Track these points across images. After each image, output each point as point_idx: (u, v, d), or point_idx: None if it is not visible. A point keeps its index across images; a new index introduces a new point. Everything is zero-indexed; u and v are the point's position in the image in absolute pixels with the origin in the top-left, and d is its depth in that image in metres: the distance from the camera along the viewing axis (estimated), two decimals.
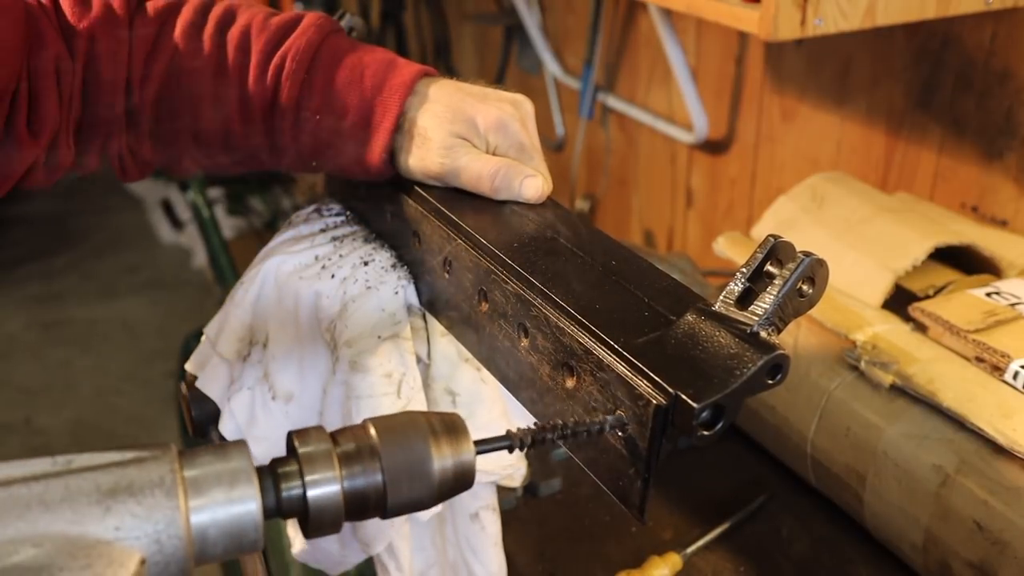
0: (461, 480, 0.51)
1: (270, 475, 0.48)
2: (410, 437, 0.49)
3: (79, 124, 0.74)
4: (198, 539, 0.44)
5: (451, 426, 0.51)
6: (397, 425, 0.50)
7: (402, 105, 0.73)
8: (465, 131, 0.73)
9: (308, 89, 0.73)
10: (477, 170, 0.72)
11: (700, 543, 0.97)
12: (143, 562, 0.42)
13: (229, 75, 0.74)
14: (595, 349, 0.55)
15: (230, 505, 0.45)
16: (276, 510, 0.47)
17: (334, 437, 0.49)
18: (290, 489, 0.48)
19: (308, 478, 0.47)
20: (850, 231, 1.08)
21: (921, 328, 0.97)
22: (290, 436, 0.50)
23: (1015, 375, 0.86)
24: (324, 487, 0.48)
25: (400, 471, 0.49)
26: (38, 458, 0.44)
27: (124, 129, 0.76)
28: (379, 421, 0.50)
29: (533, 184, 0.72)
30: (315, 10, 0.79)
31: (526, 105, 0.76)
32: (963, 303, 0.95)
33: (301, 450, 0.48)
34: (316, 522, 0.48)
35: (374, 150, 0.74)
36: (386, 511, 0.50)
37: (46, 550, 0.41)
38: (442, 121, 0.72)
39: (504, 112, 0.73)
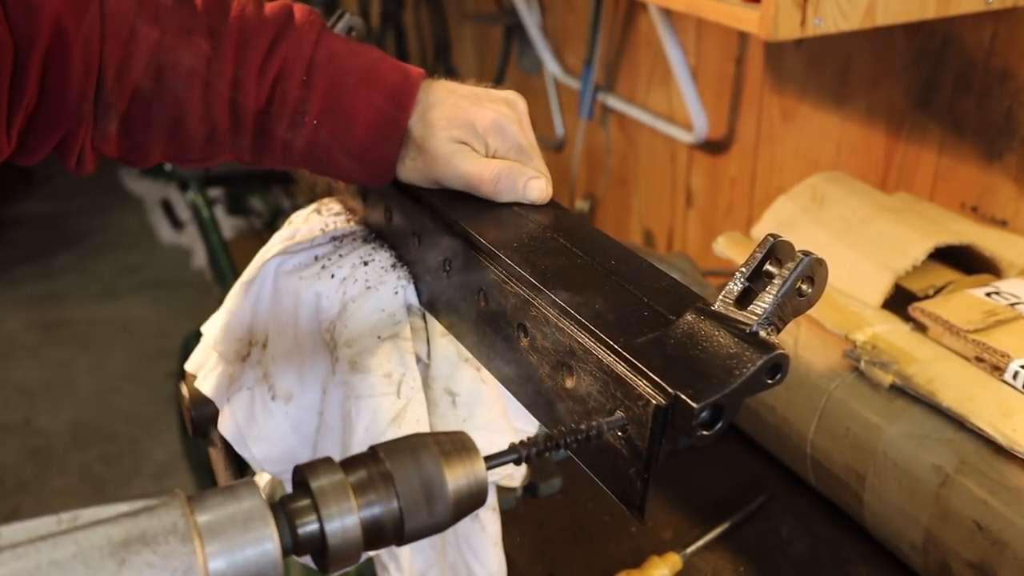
0: (475, 498, 0.50)
1: (283, 512, 0.46)
2: (421, 460, 0.49)
3: (34, 114, 0.68)
4: None
5: (460, 445, 0.50)
6: (406, 448, 0.49)
7: (411, 112, 0.72)
8: (463, 135, 0.72)
9: (308, 93, 0.71)
10: (478, 174, 0.72)
11: (700, 543, 0.97)
12: None
13: (225, 74, 0.70)
14: (595, 349, 0.55)
15: (247, 547, 0.43)
16: (293, 548, 0.46)
17: (343, 467, 0.48)
18: (305, 525, 0.46)
19: (324, 512, 0.46)
20: (850, 231, 1.08)
21: (921, 328, 0.97)
22: (299, 470, 0.48)
23: (1015, 375, 0.86)
24: (341, 520, 0.46)
25: (416, 495, 0.48)
26: (41, 517, 0.43)
27: (92, 122, 0.70)
28: (387, 446, 0.49)
29: (537, 186, 0.72)
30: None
31: (520, 104, 0.76)
32: (963, 303, 0.95)
33: (313, 484, 0.47)
34: (336, 556, 0.47)
35: (381, 160, 0.73)
36: (403, 537, 0.49)
37: None
38: (439, 129, 0.72)
39: (500, 114, 0.73)
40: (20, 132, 0.68)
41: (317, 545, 0.46)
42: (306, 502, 0.47)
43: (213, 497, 0.45)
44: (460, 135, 0.72)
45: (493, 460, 0.51)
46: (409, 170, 0.74)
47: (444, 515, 0.49)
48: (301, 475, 0.48)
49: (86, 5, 0.67)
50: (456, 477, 0.49)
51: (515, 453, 0.51)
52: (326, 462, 0.48)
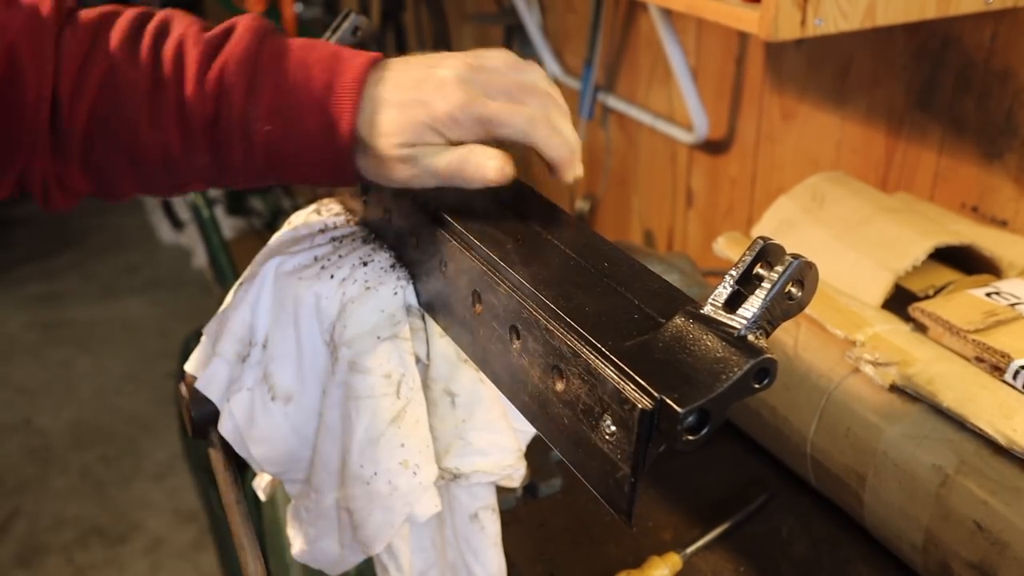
0: None
1: None
2: None
3: None
4: None
5: None
6: None
7: (356, 109, 0.68)
8: (414, 137, 0.68)
9: (254, 99, 0.68)
10: (443, 168, 0.69)
11: (700, 543, 0.97)
12: None
13: (166, 89, 0.68)
14: (583, 352, 0.54)
15: None
16: None
17: None
18: None
19: None
20: (850, 231, 1.08)
21: (921, 328, 0.96)
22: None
23: (1015, 375, 0.86)
24: None
25: None
26: None
27: (49, 152, 0.69)
28: None
29: (491, 167, 0.68)
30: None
31: (478, 61, 0.70)
32: (963, 303, 0.95)
33: None
34: None
35: (341, 167, 0.70)
36: None
37: None
38: (388, 135, 0.68)
39: (452, 105, 0.68)
40: None
41: None
42: None
43: None
44: (411, 138, 0.68)
45: None
46: (371, 175, 0.71)
47: None
48: None
49: (44, 32, 0.66)
50: None
51: None
52: None
